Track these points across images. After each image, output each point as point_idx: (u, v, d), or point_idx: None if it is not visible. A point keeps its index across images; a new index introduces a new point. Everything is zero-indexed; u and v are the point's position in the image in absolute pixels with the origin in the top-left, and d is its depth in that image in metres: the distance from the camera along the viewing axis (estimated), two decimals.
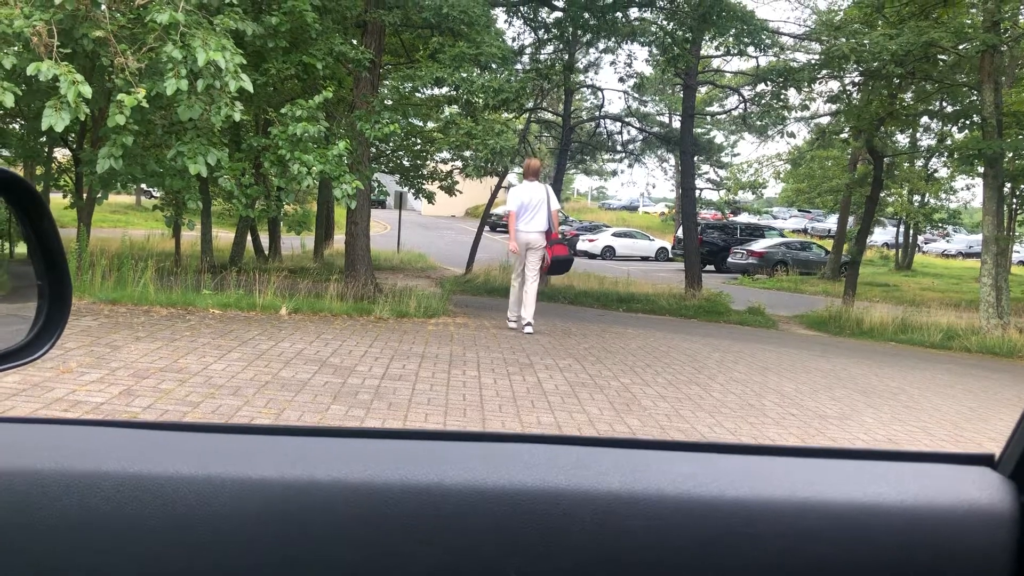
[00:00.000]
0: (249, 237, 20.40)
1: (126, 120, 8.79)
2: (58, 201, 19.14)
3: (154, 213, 17.97)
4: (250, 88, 9.24)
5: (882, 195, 25.53)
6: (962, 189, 34.50)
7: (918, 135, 28.81)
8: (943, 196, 35.05)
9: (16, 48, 8.46)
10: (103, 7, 8.62)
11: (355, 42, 13.03)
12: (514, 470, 1.01)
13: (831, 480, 1.05)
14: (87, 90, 8.30)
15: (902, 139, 29.09)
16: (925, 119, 23.67)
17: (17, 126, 16.52)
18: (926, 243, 52.87)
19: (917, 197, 33.85)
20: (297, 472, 0.98)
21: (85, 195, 13.49)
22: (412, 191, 21.06)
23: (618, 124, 24.73)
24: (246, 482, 0.96)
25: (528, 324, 10.35)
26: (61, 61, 8.43)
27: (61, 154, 17.87)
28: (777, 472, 1.06)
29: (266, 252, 21.19)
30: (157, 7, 8.76)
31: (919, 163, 31.15)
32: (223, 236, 21.30)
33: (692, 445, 1.15)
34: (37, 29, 8.39)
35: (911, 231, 39.95)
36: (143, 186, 20.67)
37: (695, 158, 25.95)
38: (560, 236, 9.87)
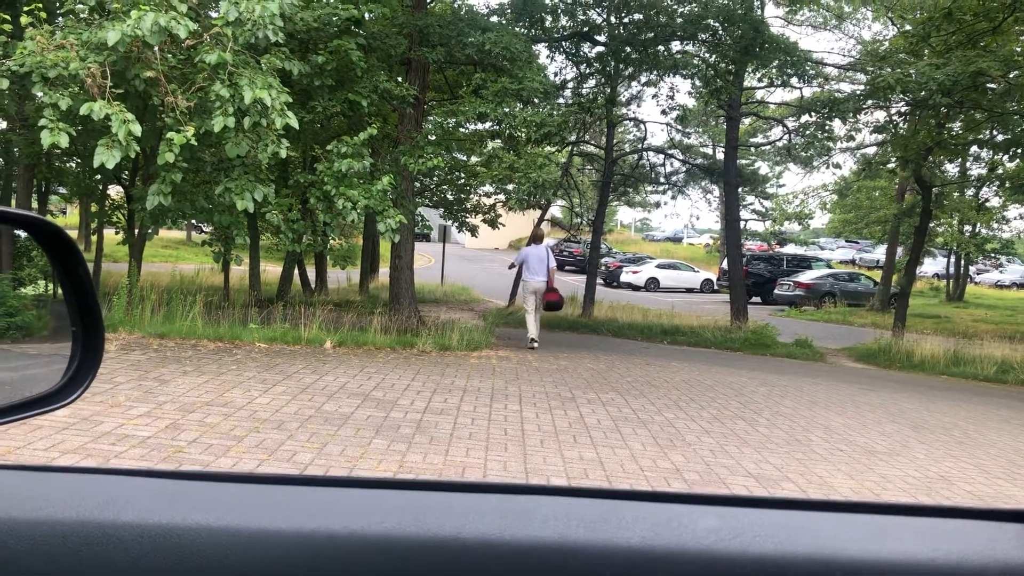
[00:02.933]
0: (296, 271, 20.66)
1: (175, 158, 8.99)
2: (111, 237, 19.57)
3: (204, 248, 18.30)
4: (296, 125, 9.41)
5: (931, 225, 25.11)
6: (1016, 219, 33.86)
7: (968, 164, 28.33)
8: (995, 225, 34.37)
9: (72, 89, 8.71)
10: (155, 48, 8.85)
11: (400, 79, 13.23)
12: (532, 523, 0.99)
13: (858, 536, 1.01)
14: (137, 128, 8.52)
15: (951, 168, 28.64)
16: (975, 148, 23.28)
17: (74, 164, 17.01)
18: (978, 273, 51.77)
19: (968, 227, 33.23)
20: (314, 524, 0.97)
21: (137, 231, 13.81)
22: (455, 224, 21.21)
23: (661, 156, 24.70)
24: (263, 534, 0.96)
25: (534, 341, 13.16)
26: (114, 101, 8.67)
27: (115, 191, 18.35)
28: (801, 527, 1.03)
29: (313, 285, 21.44)
30: (206, 48, 8.98)
31: (969, 192, 30.60)
32: (271, 270, 21.60)
33: (715, 498, 1.12)
34: (91, 71, 8.65)
35: (962, 261, 39.20)
36: (193, 221, 21.08)
37: (740, 189, 25.79)
38: (554, 286, 13.31)
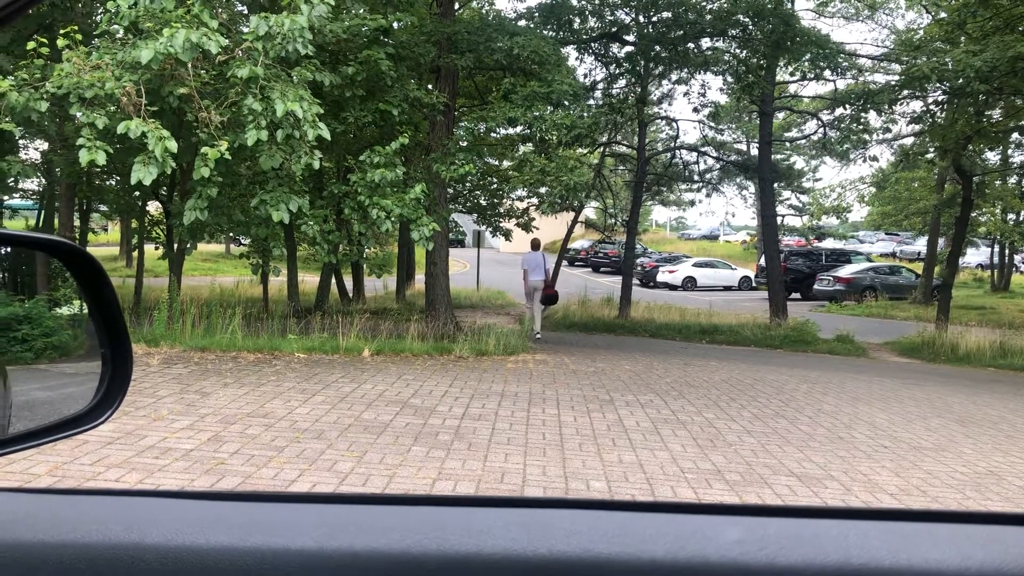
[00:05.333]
0: (333, 280, 20.81)
1: (211, 172, 9.12)
2: (152, 252, 19.86)
3: (243, 260, 18.51)
4: (327, 136, 9.48)
5: (973, 215, 24.65)
6: None
7: (1009, 151, 27.77)
8: None
9: (108, 109, 8.87)
10: (187, 65, 8.98)
11: (430, 87, 13.30)
12: (555, 538, 0.98)
13: (888, 545, 0.98)
14: (172, 145, 8.65)
15: (992, 156, 28.08)
16: (1016, 135, 22.81)
17: (113, 182, 17.31)
18: None
19: (1012, 215, 32.58)
20: (336, 543, 0.97)
21: (176, 246, 14.00)
22: (489, 229, 21.25)
23: (694, 154, 24.54)
24: (286, 554, 0.96)
25: (538, 334, 15.24)
26: (149, 119, 8.81)
27: (154, 207, 18.64)
28: (830, 537, 1.00)
29: (350, 294, 21.58)
30: (238, 63, 9.09)
31: (1012, 180, 29.98)
32: (309, 280, 21.78)
33: (740, 508, 1.10)
34: (127, 90, 8.80)
35: (1007, 251, 38.44)
36: (231, 234, 21.34)
37: (775, 185, 25.53)
38: (550, 283, 16.17)
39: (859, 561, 0.95)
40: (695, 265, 38.79)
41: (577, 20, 17.10)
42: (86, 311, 1.26)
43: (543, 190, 15.79)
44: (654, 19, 17.18)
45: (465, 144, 14.29)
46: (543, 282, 15.69)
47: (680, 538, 0.98)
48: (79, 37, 9.33)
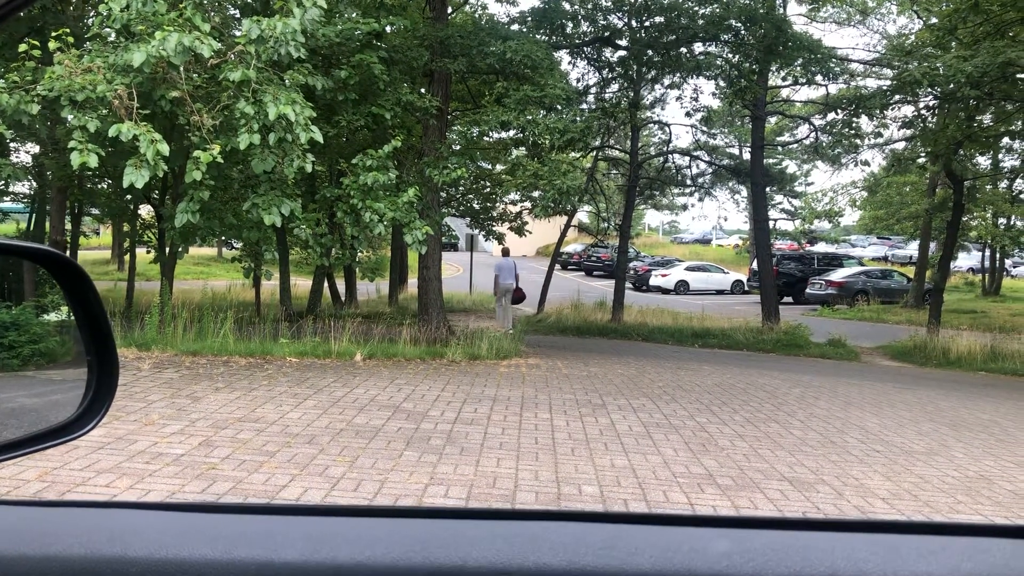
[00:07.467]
0: (326, 284, 20.77)
1: (202, 176, 9.09)
2: (143, 256, 19.80)
3: (235, 264, 18.47)
4: (320, 139, 9.47)
5: (964, 219, 24.72)
6: None
7: (1000, 156, 27.86)
8: None
9: (100, 112, 8.83)
10: (180, 68, 8.95)
11: (422, 91, 13.28)
12: (541, 551, 0.97)
13: (876, 557, 0.97)
14: (164, 148, 8.62)
15: (983, 161, 28.17)
16: (1006, 140, 22.88)
17: (105, 185, 17.25)
18: (1015, 267, 50.86)
19: (1002, 220, 32.69)
20: (321, 556, 0.96)
21: (167, 249, 13.96)
22: (482, 233, 21.25)
23: (687, 158, 24.57)
24: (270, 566, 0.95)
25: (510, 329, 15.77)
26: (141, 122, 8.77)
27: (146, 211, 18.58)
28: (817, 549, 0.99)
29: (343, 298, 21.54)
30: (230, 66, 9.07)
31: (1003, 185, 30.08)
32: (301, 284, 21.74)
33: (727, 520, 1.09)
34: (118, 93, 8.76)
35: (997, 255, 38.56)
36: (223, 237, 21.28)
37: (767, 189, 25.57)
38: (519, 286, 17.59)
39: (847, 573, 0.95)
40: (687, 269, 38.85)
41: (570, 24, 17.12)
42: (73, 318, 1.25)
43: (536, 194, 15.82)
44: (647, 24, 17.21)
45: (458, 148, 14.28)
46: (512, 284, 17.37)
47: (667, 550, 0.98)
48: (71, 40, 9.29)
